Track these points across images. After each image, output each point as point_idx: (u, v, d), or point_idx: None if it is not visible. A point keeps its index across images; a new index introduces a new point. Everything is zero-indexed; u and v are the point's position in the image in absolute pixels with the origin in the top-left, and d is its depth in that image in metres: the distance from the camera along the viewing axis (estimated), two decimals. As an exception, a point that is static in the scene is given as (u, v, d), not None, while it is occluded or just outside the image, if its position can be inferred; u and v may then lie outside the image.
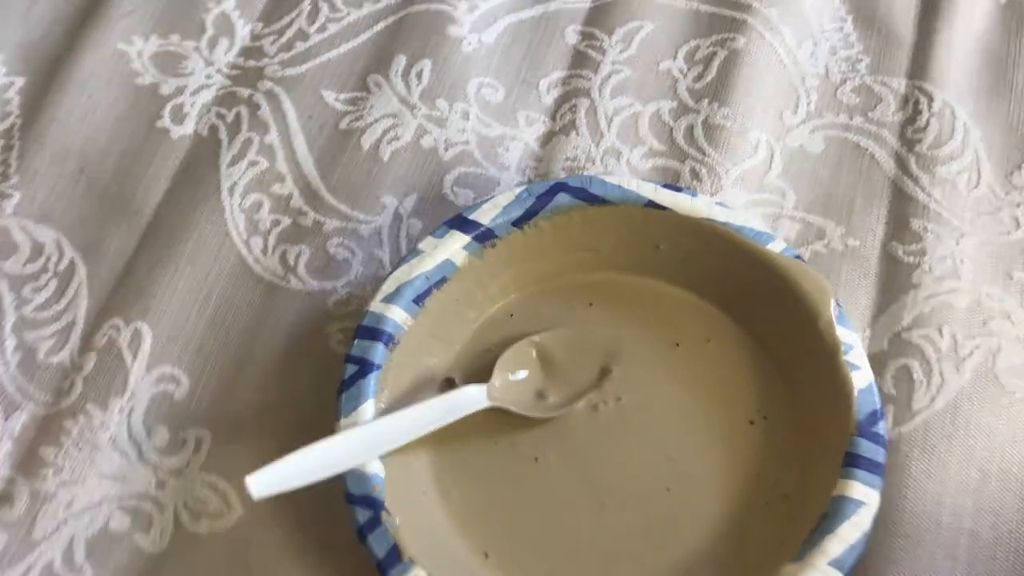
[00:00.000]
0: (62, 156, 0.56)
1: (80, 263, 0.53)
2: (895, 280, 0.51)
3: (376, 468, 0.44)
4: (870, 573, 0.44)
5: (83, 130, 0.57)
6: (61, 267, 0.53)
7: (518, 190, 0.49)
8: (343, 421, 0.44)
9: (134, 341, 0.51)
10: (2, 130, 0.57)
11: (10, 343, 0.51)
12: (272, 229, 0.53)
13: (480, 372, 0.49)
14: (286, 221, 0.54)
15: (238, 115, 0.57)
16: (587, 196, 0.49)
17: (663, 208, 0.48)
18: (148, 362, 0.50)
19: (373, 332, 0.46)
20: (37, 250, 0.54)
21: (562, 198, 0.49)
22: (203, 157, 0.56)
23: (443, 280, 0.48)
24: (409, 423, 0.44)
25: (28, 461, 0.48)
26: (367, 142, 0.55)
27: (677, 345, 0.49)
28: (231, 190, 0.54)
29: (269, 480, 0.41)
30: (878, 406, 0.44)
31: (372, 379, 0.45)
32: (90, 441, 0.49)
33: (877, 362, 0.48)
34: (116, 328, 0.51)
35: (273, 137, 0.56)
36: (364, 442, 0.43)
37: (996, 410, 0.47)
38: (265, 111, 0.56)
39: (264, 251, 0.53)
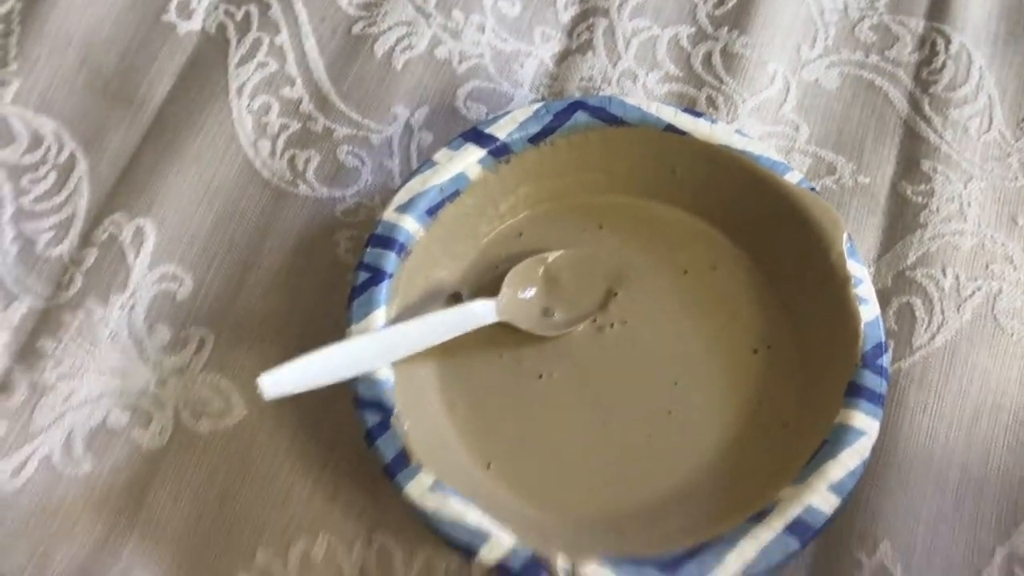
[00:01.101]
0: (63, 45, 0.54)
1: (81, 156, 0.52)
2: (902, 219, 0.51)
3: (386, 374, 0.44)
4: (863, 501, 0.45)
5: (85, 19, 0.55)
6: (61, 159, 0.52)
7: (536, 106, 0.48)
8: (354, 327, 0.44)
9: (136, 238, 0.50)
10: (1, 14, 0.55)
11: (8, 234, 0.50)
12: (281, 133, 0.52)
13: (487, 288, 0.48)
14: (295, 125, 0.53)
15: (247, 14, 0.55)
16: (606, 116, 0.48)
17: (682, 133, 0.48)
18: (151, 260, 0.50)
19: (386, 241, 0.46)
20: (36, 140, 0.52)
21: (580, 117, 0.48)
22: (210, 56, 0.54)
23: (456, 193, 0.47)
24: (419, 333, 0.44)
25: (27, 353, 0.48)
26: (380, 49, 0.54)
27: (685, 272, 0.49)
28: (239, 91, 0.53)
29: (281, 380, 0.41)
30: (883, 339, 0.45)
31: (384, 287, 0.45)
32: (90, 336, 0.48)
33: (881, 298, 0.49)
34: (118, 224, 0.50)
35: (284, 39, 0.54)
36: (375, 348, 0.43)
37: (993, 350, 0.48)
38: (276, 11, 0.55)
39: (272, 155, 0.52)
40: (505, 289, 0.47)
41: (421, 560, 0.45)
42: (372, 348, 0.43)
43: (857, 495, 0.45)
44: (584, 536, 0.43)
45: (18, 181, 0.51)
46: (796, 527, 0.41)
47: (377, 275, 0.45)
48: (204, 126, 0.52)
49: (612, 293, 0.49)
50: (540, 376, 0.47)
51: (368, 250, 0.45)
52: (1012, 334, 0.49)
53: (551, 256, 0.49)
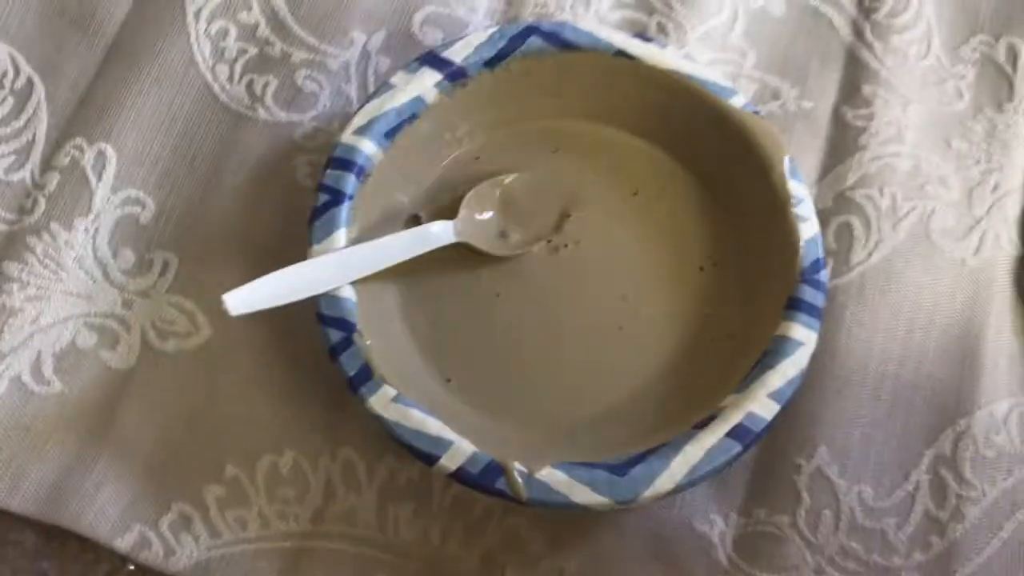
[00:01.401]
0: (16, -31, 0.54)
1: (38, 81, 0.52)
2: (843, 142, 0.54)
3: (348, 293, 0.45)
4: (803, 409, 0.48)
5: (38, -57, 0.55)
6: (18, 85, 0.52)
7: (491, 31, 0.49)
8: (316, 248, 0.45)
9: (98, 162, 0.51)
10: (-49, -63, 0.55)
11: (-32, 159, 0.51)
12: (239, 58, 0.53)
13: (445, 210, 0.50)
14: (253, 50, 0.53)
15: (203, -62, 0.55)
16: (559, 41, 0.50)
17: (632, 58, 0.49)
18: (113, 184, 0.50)
19: (344, 163, 0.47)
20: (-8, 66, 0.53)
21: (534, 41, 0.49)
22: (167, -21, 0.54)
23: (413, 116, 0.49)
24: (379, 253, 0.46)
25: (-8, 276, 0.49)
26: (336, -26, 0.55)
27: (635, 194, 0.51)
28: (196, 15, 0.53)
29: (246, 298, 0.42)
30: (821, 255, 0.47)
31: (344, 208, 0.46)
32: (55, 259, 0.49)
33: (822, 218, 0.51)
34: (79, 148, 0.51)
35: (240, -37, 0.54)
36: (338, 267, 0.45)
37: (926, 267, 0.51)
38: (232, -65, 0.55)
39: (230, 79, 0.53)
40: (463, 211, 0.49)
41: (384, 471, 0.47)
42: (334, 267, 0.45)
43: (796, 403, 0.47)
44: (539, 444, 0.46)
45: (-25, 107, 0.52)
46: (738, 432, 0.44)
47: (337, 196, 0.46)
48: (162, 51, 0.52)
49: (566, 215, 0.50)
50: (497, 295, 0.49)
51: (328, 172, 0.47)
52: (944, 251, 0.51)
53: (507, 179, 0.50)
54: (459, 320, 0.48)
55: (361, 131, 0.47)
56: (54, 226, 0.49)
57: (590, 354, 0.48)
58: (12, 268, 0.49)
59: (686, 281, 0.49)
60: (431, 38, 0.54)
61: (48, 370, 0.47)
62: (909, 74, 0.55)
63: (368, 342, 0.44)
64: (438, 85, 0.49)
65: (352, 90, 0.53)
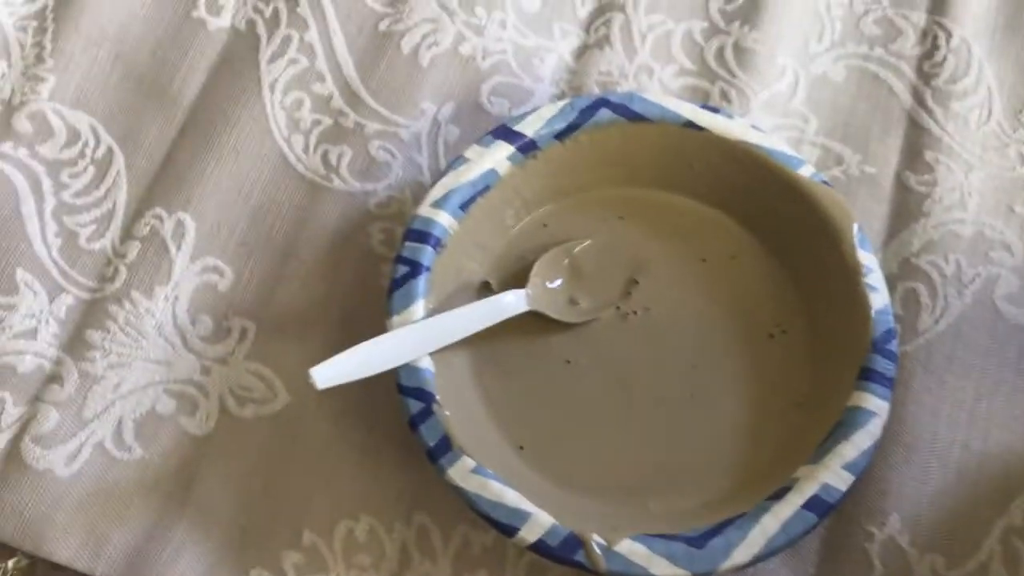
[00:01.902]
0: (97, 41, 0.56)
1: (118, 151, 0.54)
2: (906, 207, 0.54)
3: (426, 363, 0.46)
4: (873, 477, 0.48)
5: (117, 15, 0.56)
6: (98, 154, 0.54)
7: (562, 103, 0.51)
8: (395, 319, 0.46)
9: (177, 231, 0.52)
10: (35, 11, 0.56)
11: (51, 227, 0.52)
12: (313, 128, 0.54)
13: (514, 278, 0.51)
14: (327, 121, 0.55)
15: (276, 11, 0.57)
16: (628, 113, 0.51)
17: (700, 128, 0.50)
18: (192, 253, 0.52)
19: (422, 235, 0.48)
20: (73, 136, 0.54)
21: (604, 114, 0.51)
22: (242, 52, 0.56)
23: (486, 188, 0.50)
24: (456, 324, 0.47)
25: (75, 343, 0.50)
26: (407, 46, 0.56)
27: (703, 260, 0.52)
28: (272, 87, 0.55)
29: (331, 371, 0.43)
30: (892, 325, 0.47)
31: (422, 280, 0.47)
32: (136, 327, 0.50)
33: (887, 284, 0.51)
34: (159, 218, 0.52)
35: (313, 36, 0.56)
36: (417, 339, 0.46)
37: (992, 333, 0.51)
38: (304, 7, 0.57)
39: (305, 150, 0.54)
40: (533, 279, 0.50)
41: (458, 537, 0.48)
42: (414, 339, 0.45)
43: (867, 471, 0.48)
44: (612, 513, 0.46)
45: (58, 176, 0.53)
46: (813, 504, 0.44)
47: (415, 268, 0.47)
48: (239, 121, 0.54)
49: (634, 282, 0.51)
50: (568, 362, 0.50)
51: (406, 244, 0.48)
52: (1009, 318, 0.52)
53: (575, 246, 0.51)
54: (530, 387, 0.49)
55: (438, 204, 0.48)
56: (135, 294, 0.51)
57: (660, 422, 0.49)
58: (94, 336, 0.50)
59: (755, 348, 0.50)
60: (498, 107, 0.55)
61: (129, 436, 0.49)
62: (971, 140, 0.56)
63: (447, 413, 0.45)
64: (510, 157, 0.50)
65: (423, 159, 0.54)
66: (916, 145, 0.56)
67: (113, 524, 0.47)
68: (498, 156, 0.50)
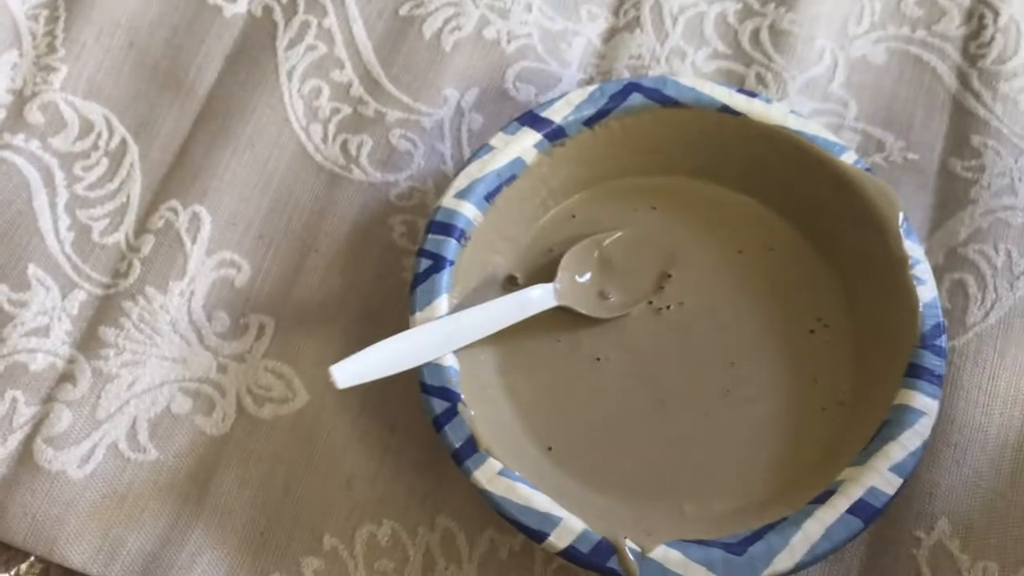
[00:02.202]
0: (110, 29, 0.54)
1: (131, 142, 0.52)
2: (952, 195, 0.52)
3: (450, 361, 0.44)
4: (920, 478, 0.46)
5: (131, 3, 0.55)
6: (112, 146, 0.52)
7: (591, 88, 0.48)
8: (418, 315, 0.44)
9: (193, 224, 0.50)
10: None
11: (63, 222, 0.51)
12: (332, 117, 0.52)
13: (542, 271, 0.49)
14: (346, 109, 0.53)
15: (293, -4, 0.55)
16: (660, 97, 0.48)
17: (736, 113, 0.48)
18: (208, 247, 0.50)
19: (446, 228, 0.46)
20: (86, 127, 0.53)
21: (635, 98, 0.48)
22: (258, 39, 0.54)
23: (513, 177, 0.48)
24: (482, 320, 0.45)
25: (88, 341, 0.48)
26: (428, 31, 0.54)
27: (740, 252, 0.49)
28: (289, 74, 0.53)
29: (352, 370, 0.41)
30: (941, 319, 0.45)
31: (446, 274, 0.45)
32: (150, 324, 0.48)
33: (933, 275, 0.49)
34: (174, 211, 0.50)
35: (331, 21, 0.54)
36: (441, 336, 0.44)
37: (1047, 327, 0.49)
38: (322, -8, 0.55)
39: (324, 139, 0.52)
40: (562, 273, 0.48)
41: (484, 542, 0.46)
42: (438, 336, 0.44)
43: (915, 473, 0.45)
44: (646, 518, 0.44)
45: (71, 168, 0.52)
46: (859, 508, 0.42)
47: (438, 262, 0.45)
48: (256, 111, 0.52)
49: (667, 275, 0.49)
50: (598, 359, 0.48)
51: (429, 237, 0.46)
52: (1065, 311, 0.49)
53: (606, 238, 0.49)
54: (559, 386, 0.47)
55: (462, 194, 0.46)
56: (149, 290, 0.49)
57: (696, 421, 0.47)
58: (108, 334, 0.48)
59: (795, 343, 0.48)
60: (524, 94, 0.53)
61: (144, 437, 0.47)
62: (1020, 123, 0.53)
63: (472, 412, 0.43)
64: (537, 145, 0.48)
65: (446, 148, 0.52)
66: (962, 130, 0.53)
67: (128, 527, 0.46)
68: (525, 144, 0.48)
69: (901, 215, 0.46)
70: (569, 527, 0.41)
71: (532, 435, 0.46)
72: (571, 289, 0.48)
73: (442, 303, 0.45)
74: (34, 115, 0.52)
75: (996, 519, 0.46)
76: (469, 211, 0.46)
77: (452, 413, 0.43)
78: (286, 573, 0.45)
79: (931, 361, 0.44)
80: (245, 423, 0.47)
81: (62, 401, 0.47)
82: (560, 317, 0.48)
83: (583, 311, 0.47)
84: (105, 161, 0.52)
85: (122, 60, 0.54)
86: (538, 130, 0.48)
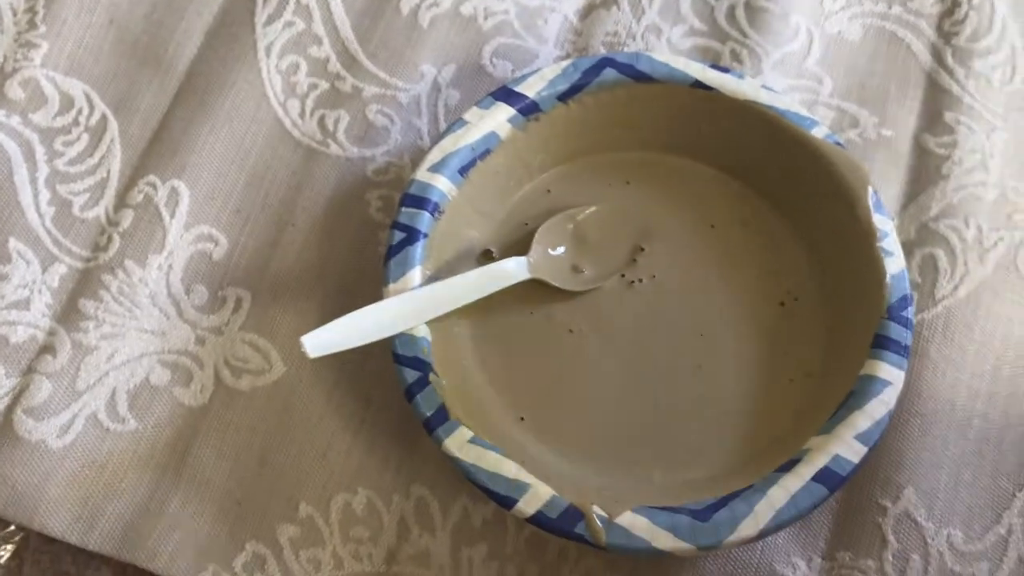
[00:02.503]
0: (91, 6, 0.55)
1: (111, 118, 0.53)
2: (925, 171, 0.52)
3: (423, 332, 0.45)
4: (887, 449, 0.46)
5: (111, -21, 0.55)
6: (92, 121, 0.53)
7: (565, 64, 0.49)
8: (392, 286, 0.45)
9: (171, 199, 0.51)
10: (27, -24, 0.55)
11: (44, 196, 0.51)
12: (310, 92, 0.53)
13: (517, 245, 0.49)
14: (324, 85, 0.53)
15: (272, -28, 0.55)
16: (634, 73, 0.49)
17: (709, 89, 0.48)
18: (186, 221, 0.50)
19: (420, 201, 0.46)
20: (67, 103, 0.53)
21: (608, 74, 0.49)
22: (238, 14, 0.54)
23: (487, 152, 0.48)
24: (455, 291, 0.45)
25: (68, 314, 0.49)
26: (406, 7, 0.54)
27: (712, 226, 0.50)
28: (267, 50, 0.53)
29: (323, 340, 0.42)
30: (908, 292, 0.45)
31: (419, 247, 0.46)
32: (129, 297, 0.49)
33: (904, 250, 0.50)
34: (152, 185, 0.51)
35: (310, -3, 0.54)
36: (413, 307, 0.44)
37: (1015, 300, 0.49)
38: (301, -31, 0.55)
39: (302, 114, 0.52)
40: (536, 246, 0.48)
41: (458, 510, 0.46)
42: (410, 307, 0.44)
43: (881, 443, 0.46)
44: (616, 486, 0.45)
45: (51, 144, 0.52)
46: (824, 476, 0.42)
47: (412, 234, 0.46)
48: (234, 86, 0.53)
49: (640, 248, 0.49)
50: (570, 331, 0.48)
51: (403, 210, 0.46)
52: (1033, 284, 0.49)
53: (580, 212, 0.50)
54: (531, 357, 0.48)
55: (436, 168, 0.47)
56: (128, 263, 0.50)
57: (667, 393, 0.47)
58: (88, 306, 0.49)
59: (765, 317, 0.48)
60: (501, 70, 0.54)
61: (123, 408, 0.48)
62: (993, 100, 0.53)
63: (444, 382, 0.44)
64: (511, 120, 0.48)
65: (423, 124, 0.53)
66: (935, 106, 0.53)
67: (107, 497, 0.46)
68: (499, 118, 0.48)
69: (870, 189, 0.47)
70: (538, 494, 0.42)
71: (504, 405, 0.47)
72: (545, 262, 0.48)
73: (415, 275, 0.45)
74: (15, 91, 0.53)
75: (961, 488, 0.46)
76: (443, 184, 0.47)
77: (424, 383, 0.44)
78: (263, 541, 0.46)
79: (897, 332, 0.45)
80: (223, 394, 0.48)
81: (42, 373, 0.48)
82: (534, 290, 0.48)
83: (556, 284, 0.48)
84: (85, 137, 0.52)
85: (102, 37, 0.54)
86: (512, 105, 0.48)
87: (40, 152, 0.52)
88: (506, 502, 0.42)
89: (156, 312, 0.49)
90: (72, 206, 0.51)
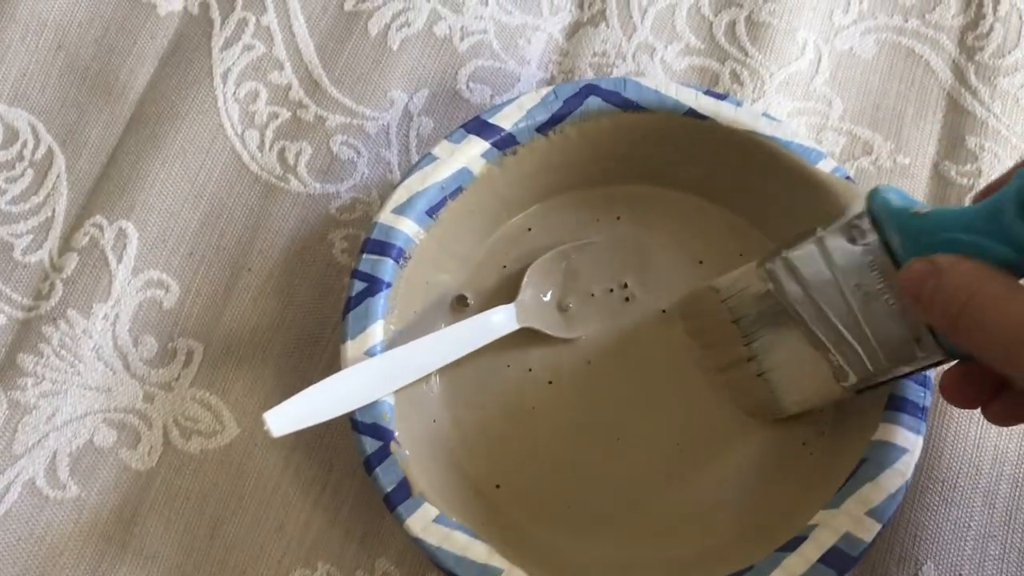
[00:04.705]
0: (37, 29, 0.50)
1: (58, 151, 0.49)
2: (946, 203, 0.47)
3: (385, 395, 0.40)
4: (904, 519, 0.42)
5: (59, 1, 0.51)
6: (38, 155, 0.49)
7: (544, 91, 0.44)
8: (350, 343, 0.40)
9: (119, 242, 0.47)
10: (-32, -2, 0.51)
11: (-17, 238, 0.47)
12: (269, 122, 0.49)
13: (495, 290, 0.45)
14: (285, 114, 0.49)
15: (232, -9, 0.51)
16: (620, 101, 0.44)
17: (704, 118, 0.44)
18: (134, 265, 0.46)
19: (382, 246, 0.42)
20: (11, 135, 0.49)
21: (592, 102, 0.44)
22: (193, 38, 0.50)
23: (459, 190, 0.44)
24: (432, 352, 0.41)
25: (6, 369, 0.45)
26: (374, 28, 0.50)
27: (701, 263, 0.45)
28: (224, 77, 0.49)
29: (289, 416, 0.37)
30: (927, 345, 0.41)
31: (382, 297, 0.41)
32: (71, 350, 0.45)
33: (923, 293, 0.45)
34: (99, 227, 0.47)
35: (271, 18, 0.50)
36: (385, 373, 0.40)
37: (1047, 349, 0.44)
38: (262, -13, 0.51)
39: (261, 147, 0.48)
40: (526, 289, 0.44)
41: (428, 587, 0.42)
42: (382, 373, 0.40)
43: (897, 514, 0.41)
44: (600, 562, 0.41)
45: (-7, 181, 0.48)
46: (832, 557, 0.38)
47: (373, 284, 0.42)
48: (188, 116, 0.48)
49: (632, 291, 0.45)
50: (550, 382, 0.44)
51: (364, 256, 0.42)
52: (1067, 330, 0.44)
53: (574, 249, 0.45)
54: (509, 414, 0.43)
55: (400, 209, 0.42)
56: (71, 313, 0.45)
57: (657, 454, 0.43)
58: (26, 361, 0.45)
59: (768, 370, 0.43)
60: (479, 95, 0.49)
61: (64, 473, 0.44)
62: (1021, 122, 0.48)
63: (407, 452, 0.40)
64: (485, 155, 0.44)
65: (393, 156, 0.48)
66: (957, 130, 0.49)
67: (45, 572, 0.42)
68: (471, 153, 0.43)
69: (883, 229, 0.42)
70: (509, 580, 0.37)
71: (478, 471, 0.42)
72: (535, 307, 0.44)
73: (376, 329, 0.41)
74: (-46, 123, 0.49)
75: (988, 562, 0.42)
76: (409, 228, 0.42)
77: (385, 453, 0.39)
78: (214, 621, 0.42)
79: (914, 392, 0.40)
80: (172, 457, 0.44)
81: (-24, 435, 0.44)
82: (512, 337, 0.44)
83: (549, 332, 0.44)
84: (30, 172, 0.48)
85: (50, 63, 0.50)
86: (486, 138, 0.44)
87: (-19, 190, 0.48)
88: (475, 587, 0.38)
89: (101, 366, 0.45)
90: (13, 249, 0.47)
